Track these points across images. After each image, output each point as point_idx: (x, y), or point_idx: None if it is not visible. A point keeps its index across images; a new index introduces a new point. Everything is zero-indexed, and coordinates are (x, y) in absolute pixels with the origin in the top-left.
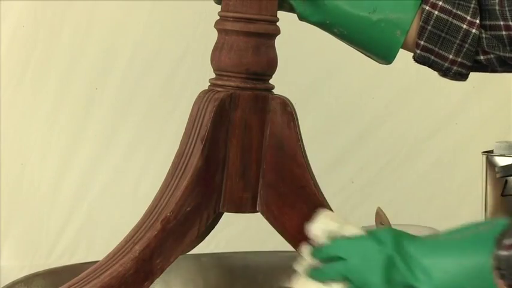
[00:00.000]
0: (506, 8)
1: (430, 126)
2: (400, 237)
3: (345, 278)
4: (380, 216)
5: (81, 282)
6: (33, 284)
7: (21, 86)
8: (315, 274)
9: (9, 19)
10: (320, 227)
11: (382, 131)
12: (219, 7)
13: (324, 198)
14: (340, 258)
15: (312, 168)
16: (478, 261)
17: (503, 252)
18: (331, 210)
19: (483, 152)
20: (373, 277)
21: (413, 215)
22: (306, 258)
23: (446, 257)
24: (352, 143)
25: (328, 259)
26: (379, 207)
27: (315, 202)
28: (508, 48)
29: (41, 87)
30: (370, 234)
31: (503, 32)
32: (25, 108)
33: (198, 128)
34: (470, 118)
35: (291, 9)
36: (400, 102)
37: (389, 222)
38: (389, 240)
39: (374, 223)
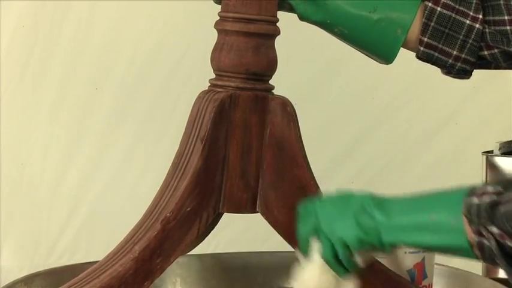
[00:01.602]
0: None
1: (430, 126)
2: (371, 194)
3: (316, 231)
4: None
5: (81, 282)
6: (33, 284)
7: (21, 86)
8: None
9: (9, 19)
10: None
11: (382, 131)
12: (219, 7)
13: None
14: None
15: (312, 168)
16: (451, 203)
17: (474, 200)
18: None
19: (483, 152)
20: (346, 221)
21: None
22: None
23: (415, 204)
24: (352, 143)
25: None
26: None
27: None
28: None
29: (41, 87)
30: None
31: (508, 27)
32: (25, 109)
33: (198, 128)
34: (470, 118)
35: (291, 9)
36: (400, 102)
37: None
38: (362, 193)
39: None
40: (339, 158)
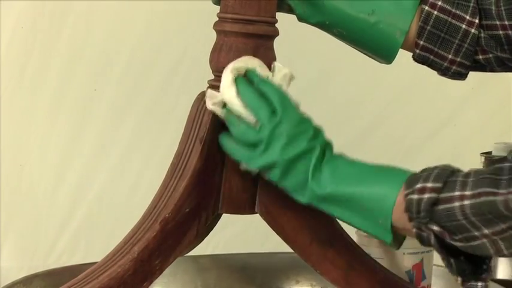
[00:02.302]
0: (502, 8)
1: (429, 127)
2: (328, 145)
3: (256, 115)
4: None
5: (80, 283)
6: (32, 285)
7: (20, 87)
8: (243, 88)
9: (8, 20)
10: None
11: (381, 133)
12: (217, 8)
13: None
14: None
15: None
16: (383, 195)
17: (414, 196)
18: None
19: (482, 153)
20: (287, 151)
21: None
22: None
23: (352, 179)
24: (350, 144)
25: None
26: None
27: None
28: (505, 47)
29: (40, 88)
30: (309, 120)
31: (500, 32)
32: (24, 110)
33: (196, 129)
34: (469, 119)
35: (290, 11)
36: (399, 103)
37: None
38: (322, 141)
39: None
40: None
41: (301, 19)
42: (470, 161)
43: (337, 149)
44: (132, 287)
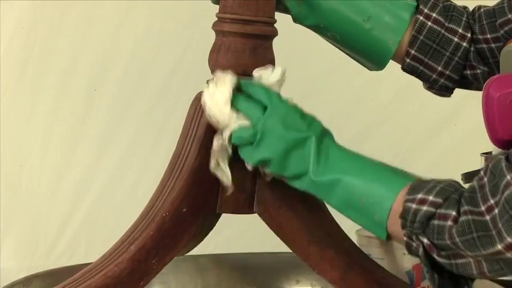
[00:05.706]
0: (484, 22)
1: (429, 127)
2: (326, 134)
3: (250, 117)
4: None
5: (76, 282)
6: (32, 285)
7: (20, 87)
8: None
9: (8, 21)
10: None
11: (381, 133)
12: (216, 8)
13: None
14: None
15: None
16: (382, 194)
17: (413, 206)
18: (329, 212)
19: (482, 153)
20: (281, 142)
21: None
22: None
23: (353, 170)
24: (351, 144)
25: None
26: None
27: (312, 203)
28: (490, 61)
29: (40, 88)
30: (300, 112)
31: (484, 45)
32: (24, 110)
33: (195, 129)
34: (469, 119)
35: (286, 10)
36: (399, 103)
37: None
38: (318, 130)
39: None
40: None
41: (296, 20)
42: (470, 161)
43: None
44: (128, 286)
